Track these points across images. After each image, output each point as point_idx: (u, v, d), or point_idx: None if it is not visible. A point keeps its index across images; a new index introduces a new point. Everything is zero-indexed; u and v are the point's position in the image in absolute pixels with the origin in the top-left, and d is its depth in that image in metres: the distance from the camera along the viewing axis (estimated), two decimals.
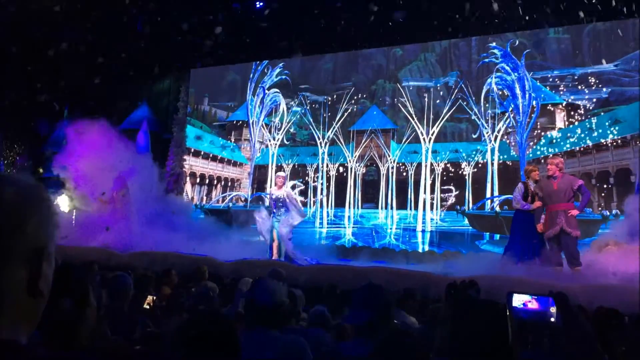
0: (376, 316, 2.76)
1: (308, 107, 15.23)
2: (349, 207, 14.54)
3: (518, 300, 2.35)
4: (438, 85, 13.81)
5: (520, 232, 8.45)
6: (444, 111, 13.54)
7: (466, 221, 13.18)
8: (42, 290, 0.91)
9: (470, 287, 4.15)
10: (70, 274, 2.15)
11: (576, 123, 12.36)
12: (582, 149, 12.28)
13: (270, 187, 13.82)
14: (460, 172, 13.58)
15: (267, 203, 14.64)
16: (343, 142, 14.75)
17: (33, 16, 13.11)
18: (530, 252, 8.18)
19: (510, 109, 12.83)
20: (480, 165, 13.31)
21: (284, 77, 15.61)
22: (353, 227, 14.35)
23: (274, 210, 10.28)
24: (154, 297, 4.43)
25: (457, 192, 13.50)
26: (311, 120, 15.13)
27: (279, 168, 15.24)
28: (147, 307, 4.30)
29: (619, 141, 11.80)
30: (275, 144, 15.49)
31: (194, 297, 4.27)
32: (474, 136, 13.41)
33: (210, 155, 16.60)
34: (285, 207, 10.17)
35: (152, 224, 12.03)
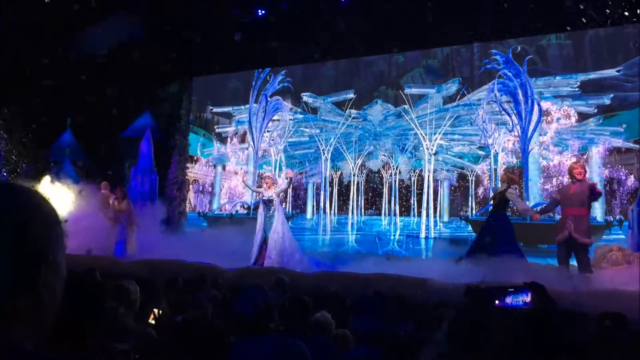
0: (382, 324, 2.76)
1: (310, 114, 15.24)
2: (352, 214, 14.53)
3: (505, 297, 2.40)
4: (440, 91, 13.81)
5: (494, 234, 8.51)
6: (447, 118, 13.54)
7: (470, 227, 13.16)
8: (41, 295, 0.91)
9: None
10: (87, 283, 2.15)
11: (579, 129, 12.35)
12: (585, 155, 12.27)
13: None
14: (463, 178, 13.58)
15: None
16: (346, 149, 14.75)
17: (33, 24, 13.18)
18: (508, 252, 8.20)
19: (513, 114, 12.82)
20: (483, 171, 13.30)
21: (286, 84, 15.62)
22: (356, 234, 14.33)
23: (265, 212, 10.29)
24: (158, 310, 4.41)
25: (461, 199, 13.49)
26: (313, 127, 15.13)
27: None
28: (153, 321, 4.28)
29: (623, 147, 11.79)
30: (278, 151, 15.49)
31: (190, 305, 4.26)
32: (477, 143, 13.39)
33: (213, 163, 16.63)
34: (274, 207, 10.20)
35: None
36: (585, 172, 8.29)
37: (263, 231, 10.21)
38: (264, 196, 10.36)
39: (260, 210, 10.45)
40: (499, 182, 9.39)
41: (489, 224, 8.91)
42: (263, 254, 10.12)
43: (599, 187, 8.41)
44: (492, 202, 9.13)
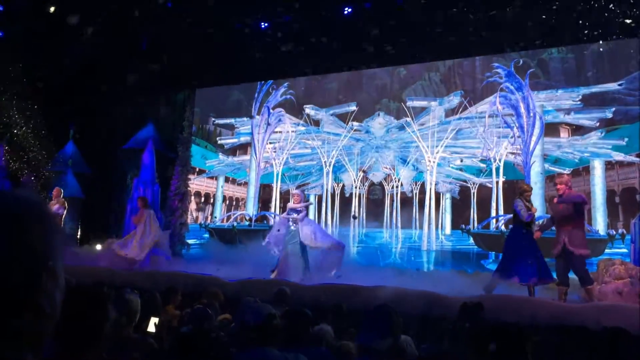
0: (386, 337, 2.75)
1: (312, 126, 15.27)
2: (354, 227, 14.50)
3: None
4: (442, 104, 13.84)
5: (515, 250, 8.46)
6: (449, 130, 13.55)
7: (471, 240, 13.13)
8: (41, 306, 0.90)
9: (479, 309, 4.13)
10: (90, 295, 2.16)
11: (581, 142, 12.35)
12: (587, 168, 12.26)
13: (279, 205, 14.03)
14: (465, 191, 13.56)
15: (271, 222, 14.64)
16: (348, 161, 14.76)
17: (39, 32, 13.25)
18: (527, 271, 8.18)
19: (515, 128, 12.84)
20: (485, 184, 13.29)
21: (288, 96, 15.68)
22: (358, 247, 14.30)
23: (290, 225, 10.44)
24: (158, 320, 4.39)
25: (465, 211, 13.46)
26: (315, 139, 15.16)
27: (287, 192, 15.27)
28: (153, 330, 4.27)
29: (624, 160, 11.79)
30: (280, 163, 15.50)
31: (191, 316, 4.25)
32: (479, 155, 13.39)
33: (215, 175, 16.64)
34: (299, 218, 10.39)
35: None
36: (567, 186, 8.31)
37: (284, 244, 10.37)
38: (290, 207, 10.60)
39: (283, 222, 10.65)
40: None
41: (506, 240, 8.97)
42: (281, 266, 10.25)
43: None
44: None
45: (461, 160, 13.57)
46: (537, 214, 11.77)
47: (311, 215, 14.45)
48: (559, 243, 8.07)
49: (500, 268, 8.50)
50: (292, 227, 10.44)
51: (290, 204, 10.74)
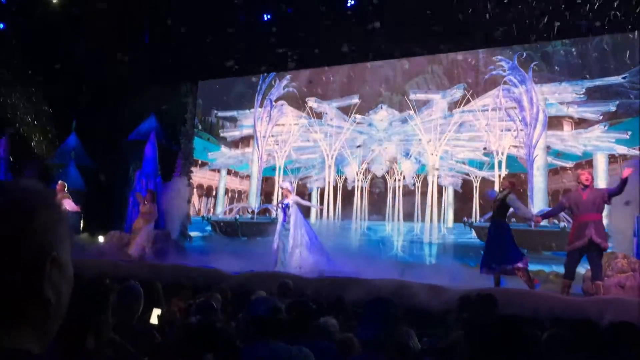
0: (386, 330, 2.75)
1: (315, 119, 15.25)
2: (356, 219, 14.49)
3: None
4: (445, 97, 13.80)
5: (505, 238, 8.54)
6: (451, 123, 13.52)
7: (474, 233, 13.12)
8: (48, 296, 0.90)
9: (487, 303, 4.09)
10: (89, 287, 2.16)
11: (584, 135, 12.31)
12: (590, 161, 12.23)
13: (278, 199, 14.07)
14: (467, 184, 13.53)
15: (273, 215, 14.65)
16: (350, 154, 14.74)
17: (40, 26, 13.25)
18: (517, 254, 8.31)
19: (518, 121, 12.80)
20: (488, 177, 13.26)
21: (291, 89, 15.64)
22: (360, 239, 14.29)
23: (283, 220, 10.54)
24: (163, 311, 4.40)
25: (465, 204, 13.44)
26: (318, 132, 15.14)
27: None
28: (156, 321, 4.27)
29: (628, 153, 11.75)
30: (282, 156, 15.49)
31: (196, 309, 4.26)
32: (482, 149, 13.36)
33: (218, 167, 16.63)
34: (290, 213, 10.46)
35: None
36: (593, 178, 8.27)
37: (280, 237, 10.47)
38: (282, 202, 10.69)
39: (280, 217, 10.77)
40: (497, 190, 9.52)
41: (490, 233, 8.94)
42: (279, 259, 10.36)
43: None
44: (492, 209, 9.15)
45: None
46: (538, 208, 11.83)
47: (313, 209, 14.42)
48: (584, 236, 7.70)
49: (499, 260, 8.46)
50: (288, 222, 10.53)
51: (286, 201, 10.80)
